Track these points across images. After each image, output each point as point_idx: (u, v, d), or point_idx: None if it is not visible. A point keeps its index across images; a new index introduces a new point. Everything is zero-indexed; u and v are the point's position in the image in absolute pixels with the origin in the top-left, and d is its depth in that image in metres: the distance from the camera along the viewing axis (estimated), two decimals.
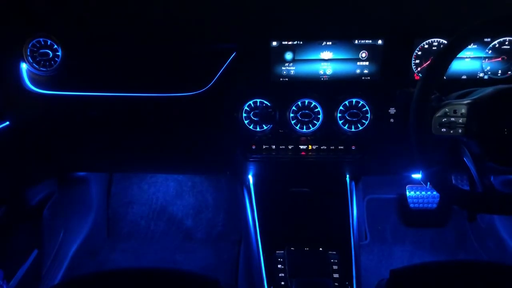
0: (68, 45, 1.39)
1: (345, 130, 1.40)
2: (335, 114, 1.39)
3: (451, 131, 1.12)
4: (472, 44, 1.36)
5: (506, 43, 1.36)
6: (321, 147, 1.48)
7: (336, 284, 1.32)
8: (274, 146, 1.49)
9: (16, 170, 1.68)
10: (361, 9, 1.36)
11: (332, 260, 1.38)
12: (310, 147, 1.49)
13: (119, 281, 1.33)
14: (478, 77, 1.40)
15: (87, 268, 2.18)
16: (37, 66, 1.39)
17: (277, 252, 1.41)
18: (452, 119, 1.11)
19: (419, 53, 1.37)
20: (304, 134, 1.41)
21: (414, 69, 1.39)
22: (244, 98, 1.40)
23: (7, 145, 1.54)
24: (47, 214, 1.89)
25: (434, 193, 2.29)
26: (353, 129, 1.39)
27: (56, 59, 1.39)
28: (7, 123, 1.48)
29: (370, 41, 1.36)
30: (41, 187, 1.91)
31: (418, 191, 2.29)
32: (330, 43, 1.36)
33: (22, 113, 1.50)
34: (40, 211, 1.87)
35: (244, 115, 1.40)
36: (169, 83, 1.42)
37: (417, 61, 1.38)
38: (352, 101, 1.38)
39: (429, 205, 2.30)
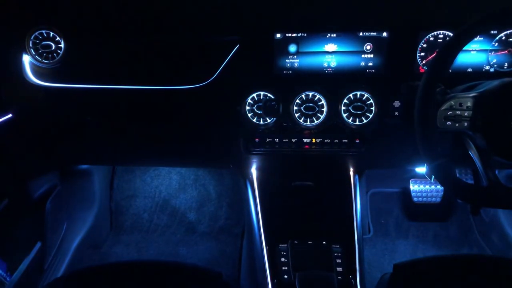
0: (71, 37, 1.38)
1: (349, 123, 1.39)
2: (339, 107, 1.38)
3: (457, 125, 1.11)
4: (478, 36, 1.35)
5: None
6: (325, 141, 1.47)
7: (340, 277, 1.31)
8: (277, 139, 1.49)
9: (19, 163, 1.68)
10: (366, 0, 1.35)
11: (335, 254, 1.38)
12: (313, 140, 1.48)
13: (122, 274, 1.34)
14: (484, 70, 1.38)
15: (90, 261, 2.19)
16: (39, 58, 1.38)
17: (280, 245, 1.41)
18: (458, 112, 1.11)
19: (425, 45, 1.36)
20: (308, 127, 1.41)
21: (419, 62, 1.38)
22: (248, 91, 1.39)
23: (10, 137, 1.54)
24: (50, 207, 1.89)
25: (438, 187, 2.29)
26: (357, 122, 1.39)
27: (59, 51, 1.38)
28: (10, 115, 1.48)
29: (375, 34, 1.35)
30: (44, 180, 1.91)
31: (422, 185, 2.29)
32: (335, 35, 1.35)
33: (25, 105, 1.50)
34: (43, 204, 1.87)
35: (247, 108, 1.40)
36: (172, 75, 1.41)
37: (423, 53, 1.37)
38: (357, 94, 1.37)
39: (433, 199, 2.30)
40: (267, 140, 1.49)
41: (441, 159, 1.09)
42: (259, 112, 1.39)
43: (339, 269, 1.34)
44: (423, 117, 1.08)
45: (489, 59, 1.37)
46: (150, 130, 1.58)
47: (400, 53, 1.37)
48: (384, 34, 1.34)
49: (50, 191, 1.94)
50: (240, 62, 1.38)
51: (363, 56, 1.37)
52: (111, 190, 2.48)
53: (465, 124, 1.11)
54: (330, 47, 1.36)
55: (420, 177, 2.29)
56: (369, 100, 1.37)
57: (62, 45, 1.38)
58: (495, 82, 1.11)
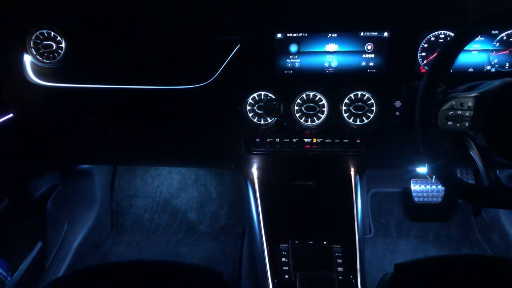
0: (71, 37, 1.38)
1: (350, 123, 1.39)
2: (340, 107, 1.38)
3: (458, 125, 1.11)
4: (479, 36, 1.35)
5: None
6: (326, 141, 1.47)
7: (340, 277, 1.31)
8: (278, 139, 1.49)
9: (19, 163, 1.68)
10: (367, 0, 1.35)
11: (336, 254, 1.38)
12: (314, 140, 1.48)
13: (122, 273, 1.34)
14: (485, 70, 1.38)
15: (91, 261, 2.19)
16: (40, 58, 1.38)
17: (281, 245, 1.41)
18: (459, 112, 1.10)
19: (426, 45, 1.36)
20: (309, 127, 1.40)
21: (420, 62, 1.38)
22: (248, 91, 1.39)
23: (11, 137, 1.54)
24: (50, 207, 1.90)
25: (439, 187, 2.28)
26: (358, 122, 1.38)
27: (60, 51, 1.38)
28: (11, 115, 1.48)
29: (376, 33, 1.35)
30: (45, 180, 1.91)
31: (423, 185, 2.28)
32: (336, 35, 1.35)
33: (26, 105, 1.50)
34: (44, 203, 1.87)
35: (248, 108, 1.40)
36: (173, 75, 1.41)
37: (424, 53, 1.37)
38: (358, 94, 1.37)
39: (434, 199, 2.30)
40: (268, 140, 1.49)
41: (442, 159, 1.09)
42: (260, 112, 1.39)
43: (340, 269, 1.34)
44: (424, 117, 1.08)
45: (490, 59, 1.37)
46: (150, 130, 1.58)
47: (401, 53, 1.37)
48: (385, 34, 1.34)
49: (51, 190, 1.94)
50: (241, 62, 1.38)
51: (364, 56, 1.37)
52: (112, 190, 2.48)
53: (466, 124, 1.11)
54: (331, 47, 1.36)
55: (421, 177, 2.29)
56: (370, 100, 1.37)
57: (63, 45, 1.38)
58: (496, 82, 1.11)
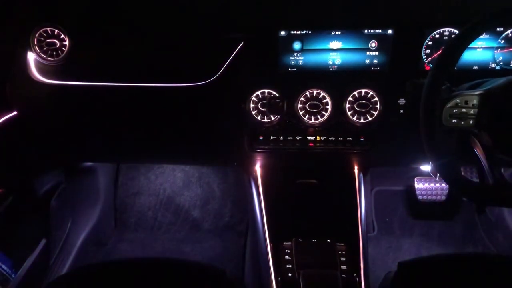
0: (75, 34, 1.38)
1: (354, 121, 1.38)
2: (344, 105, 1.37)
3: (462, 122, 1.11)
4: (484, 34, 1.34)
5: None
6: (329, 138, 1.47)
7: (344, 276, 1.31)
8: (281, 137, 1.48)
9: (23, 160, 1.68)
10: None
11: (339, 252, 1.38)
12: (318, 138, 1.48)
13: (126, 270, 1.34)
14: (490, 67, 1.37)
15: (95, 258, 2.20)
16: (44, 56, 1.38)
17: (284, 243, 1.41)
18: (463, 110, 1.10)
19: (430, 43, 1.35)
20: (312, 125, 1.40)
21: (424, 60, 1.37)
22: (252, 89, 1.39)
23: (15, 135, 1.55)
24: (54, 204, 1.90)
25: (443, 185, 2.28)
26: (362, 120, 1.38)
27: (63, 48, 1.38)
28: (15, 113, 1.48)
29: (380, 31, 1.34)
30: (49, 177, 1.91)
31: (427, 183, 2.28)
32: (339, 32, 1.35)
33: (30, 103, 1.50)
34: (48, 201, 1.88)
35: (251, 105, 1.39)
36: (176, 73, 1.41)
37: (428, 51, 1.36)
38: (361, 92, 1.36)
39: (438, 198, 2.29)
40: (271, 137, 1.49)
41: (446, 157, 1.08)
42: (263, 109, 1.39)
43: (343, 267, 1.34)
44: (429, 115, 1.07)
45: (495, 56, 1.36)
46: (154, 128, 1.58)
47: (405, 50, 1.37)
48: (389, 31, 1.34)
49: (55, 188, 1.94)
50: (245, 59, 1.38)
51: (368, 53, 1.37)
52: (115, 188, 2.49)
53: (471, 122, 1.10)
54: (335, 44, 1.36)
55: (425, 175, 2.29)
56: (374, 97, 1.36)
57: (66, 43, 1.38)
58: (501, 80, 1.10)
